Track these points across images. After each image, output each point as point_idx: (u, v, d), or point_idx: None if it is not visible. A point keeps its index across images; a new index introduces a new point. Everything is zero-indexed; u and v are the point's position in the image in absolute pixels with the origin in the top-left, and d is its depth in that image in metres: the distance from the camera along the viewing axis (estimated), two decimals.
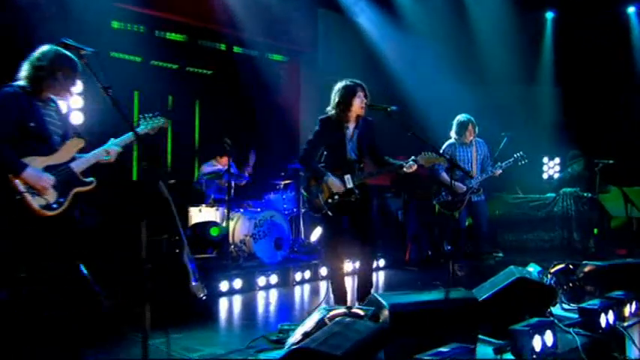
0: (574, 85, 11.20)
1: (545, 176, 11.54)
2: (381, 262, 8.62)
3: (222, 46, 9.29)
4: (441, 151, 7.22)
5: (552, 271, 5.88)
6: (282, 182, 8.79)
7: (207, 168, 8.63)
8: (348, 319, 3.82)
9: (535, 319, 4.17)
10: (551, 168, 11.66)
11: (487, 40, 10.40)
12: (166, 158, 9.09)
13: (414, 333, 3.88)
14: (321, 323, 4.01)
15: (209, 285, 6.48)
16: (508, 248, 9.25)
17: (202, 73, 9.49)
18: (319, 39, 9.98)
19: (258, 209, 8.20)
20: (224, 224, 7.64)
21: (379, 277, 8.20)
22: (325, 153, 5.50)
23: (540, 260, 6.54)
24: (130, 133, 4.53)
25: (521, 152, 7.52)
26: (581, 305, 5.29)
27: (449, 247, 7.87)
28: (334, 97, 5.42)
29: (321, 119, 5.46)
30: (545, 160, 11.64)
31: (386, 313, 4.04)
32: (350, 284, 7.24)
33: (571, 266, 5.97)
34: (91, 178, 4.51)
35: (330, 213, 5.37)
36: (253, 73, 9.21)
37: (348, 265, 7.99)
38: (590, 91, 10.94)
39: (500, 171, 7.52)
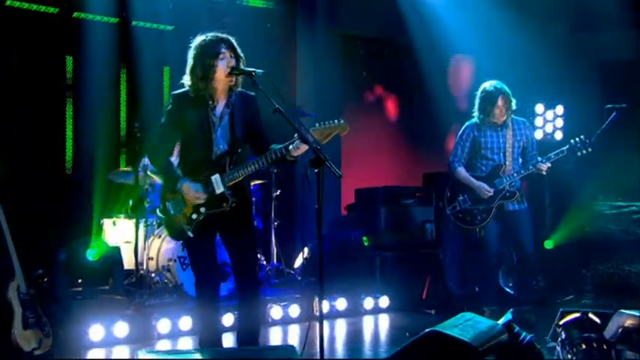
0: None
1: None
2: (384, 301, 8.25)
3: None
4: (459, 136, 7.30)
5: (561, 323, 5.45)
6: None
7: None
8: None
9: None
10: None
11: None
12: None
13: None
14: None
15: (71, 333, 6.22)
16: (601, 285, 8.65)
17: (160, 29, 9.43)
18: None
19: None
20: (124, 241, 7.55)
21: (368, 324, 7.87)
22: (181, 146, 5.29)
23: None
24: None
25: (582, 136, 7.04)
26: None
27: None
28: (189, 60, 5.16)
29: (174, 95, 5.24)
30: None
31: None
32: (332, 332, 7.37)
33: (593, 317, 5.44)
34: None
35: (191, 235, 5.13)
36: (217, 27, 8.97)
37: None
38: None
39: (548, 165, 7.07)
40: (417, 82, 10.32)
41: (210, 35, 5.09)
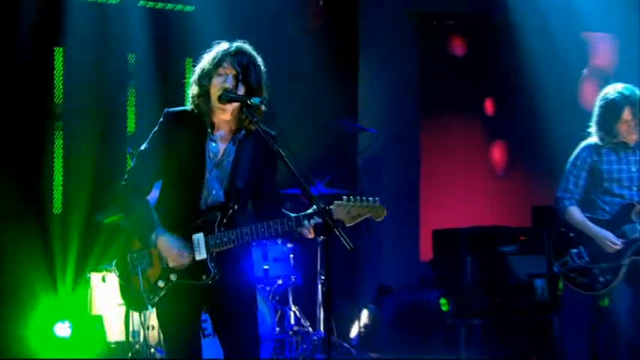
0: None
1: None
2: None
3: None
4: (572, 163, 6.59)
5: None
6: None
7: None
8: None
9: None
10: None
11: None
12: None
13: None
14: None
15: None
16: None
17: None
18: None
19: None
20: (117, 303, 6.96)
21: None
22: (163, 184, 4.71)
23: None
24: None
25: None
26: None
27: None
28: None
29: (167, 112, 4.71)
30: None
31: None
32: None
33: None
34: None
35: (150, 309, 4.56)
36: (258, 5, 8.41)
37: None
38: None
39: None
40: (524, 75, 9.45)
41: (234, 44, 4.57)
